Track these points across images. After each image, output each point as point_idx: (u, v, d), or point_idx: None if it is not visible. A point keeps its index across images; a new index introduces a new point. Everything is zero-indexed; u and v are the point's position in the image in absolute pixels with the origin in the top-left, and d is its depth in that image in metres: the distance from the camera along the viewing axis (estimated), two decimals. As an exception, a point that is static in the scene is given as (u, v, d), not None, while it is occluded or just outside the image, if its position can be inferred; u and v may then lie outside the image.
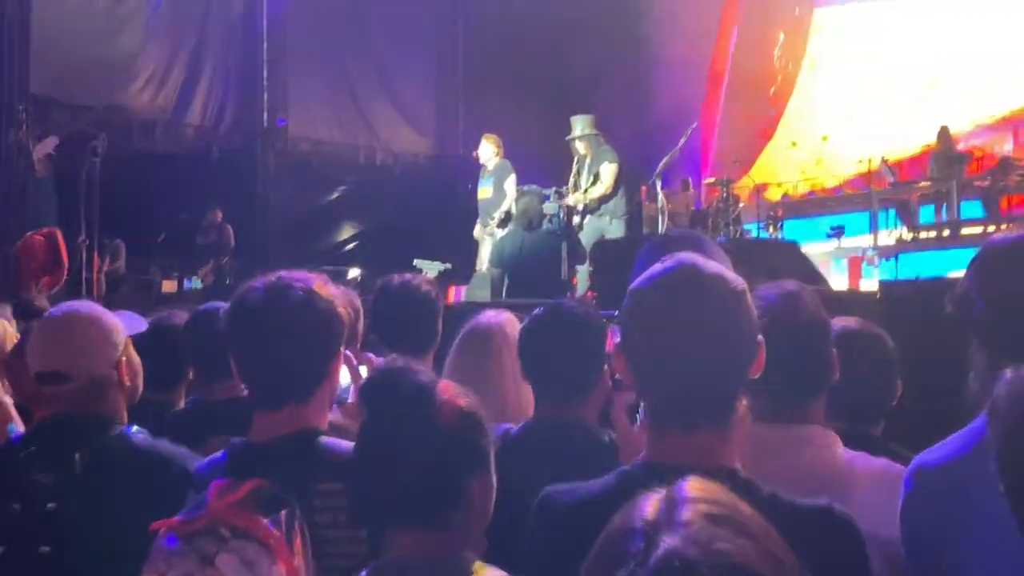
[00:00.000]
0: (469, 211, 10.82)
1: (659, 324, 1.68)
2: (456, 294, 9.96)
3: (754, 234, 12.72)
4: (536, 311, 2.73)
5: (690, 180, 14.39)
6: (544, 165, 11.17)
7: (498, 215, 10.11)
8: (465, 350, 3.09)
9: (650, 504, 1.05)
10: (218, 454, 2.18)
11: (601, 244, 9.37)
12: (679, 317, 1.66)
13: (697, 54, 17.08)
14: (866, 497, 1.95)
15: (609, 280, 7.46)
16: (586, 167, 10.09)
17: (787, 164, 17.73)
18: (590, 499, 1.72)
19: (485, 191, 10.46)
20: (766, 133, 18.07)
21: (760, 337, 1.70)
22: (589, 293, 7.63)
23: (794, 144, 17.79)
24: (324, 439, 2.11)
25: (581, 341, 2.63)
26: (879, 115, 16.04)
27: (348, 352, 2.55)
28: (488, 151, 10.49)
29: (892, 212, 13.28)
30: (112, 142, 10.56)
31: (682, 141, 10.68)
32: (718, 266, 1.74)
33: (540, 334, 2.67)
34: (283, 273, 2.15)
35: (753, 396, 1.78)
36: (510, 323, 3.09)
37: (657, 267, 1.72)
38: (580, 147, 10.17)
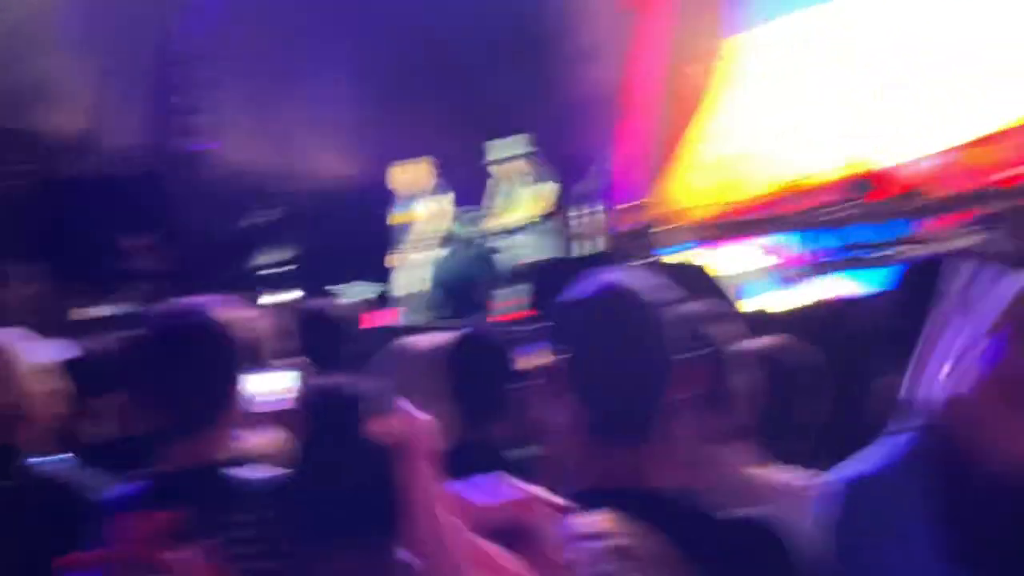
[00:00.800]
0: (397, 234, 10.81)
1: (577, 340, 1.69)
2: (383, 317, 9.90)
3: (669, 258, 12.81)
4: (444, 342, 2.75)
5: (606, 204, 14.46)
6: (466, 187, 11.18)
7: (424, 237, 10.10)
8: (388, 374, 3.09)
9: None
10: (128, 485, 2.13)
11: (539, 265, 9.38)
12: (594, 332, 1.67)
13: (615, 78, 17.19)
14: (776, 511, 1.97)
15: (547, 301, 7.46)
16: (517, 187, 10.13)
17: (704, 185, 17.88)
18: None
19: (408, 214, 10.45)
20: (685, 155, 18.25)
21: (686, 355, 1.71)
22: (527, 312, 7.61)
23: (709, 165, 17.96)
24: (233, 468, 2.07)
25: (490, 369, 2.72)
26: (799, 134, 16.24)
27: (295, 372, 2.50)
28: (411, 174, 10.49)
29: (811, 233, 13.51)
30: (25, 166, 10.35)
31: (599, 166, 10.77)
32: (640, 284, 1.73)
33: (450, 364, 2.70)
34: (182, 299, 2.12)
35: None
36: (433, 347, 3.10)
37: (578, 285, 1.74)
38: (517, 167, 10.19)
